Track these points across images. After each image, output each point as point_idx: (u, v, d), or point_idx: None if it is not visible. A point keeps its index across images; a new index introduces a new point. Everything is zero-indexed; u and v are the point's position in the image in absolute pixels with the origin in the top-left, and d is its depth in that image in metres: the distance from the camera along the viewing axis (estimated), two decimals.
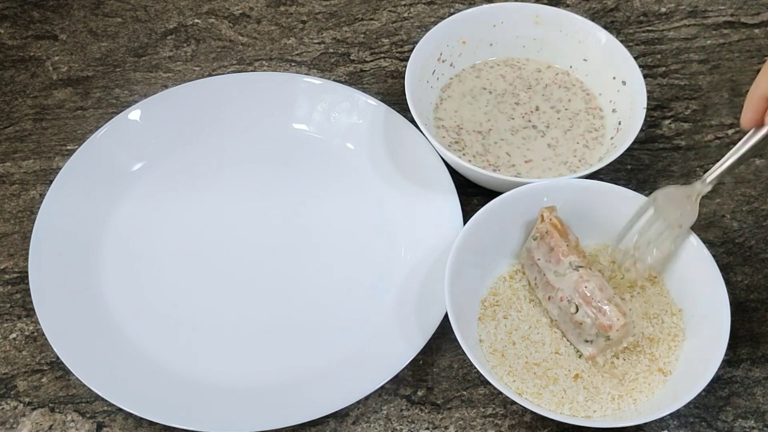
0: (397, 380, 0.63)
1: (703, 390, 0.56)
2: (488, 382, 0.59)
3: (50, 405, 0.63)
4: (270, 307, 0.68)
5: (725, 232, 0.72)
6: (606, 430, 0.63)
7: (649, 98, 0.73)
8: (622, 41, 0.76)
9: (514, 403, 0.62)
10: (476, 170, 0.67)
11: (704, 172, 0.63)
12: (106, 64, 0.84)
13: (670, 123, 0.79)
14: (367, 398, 0.63)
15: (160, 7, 0.89)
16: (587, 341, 0.60)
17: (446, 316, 0.61)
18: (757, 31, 0.87)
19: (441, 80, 0.78)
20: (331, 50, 0.85)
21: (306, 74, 0.81)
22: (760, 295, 0.68)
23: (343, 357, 0.65)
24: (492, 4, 0.79)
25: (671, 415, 0.61)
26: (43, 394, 0.63)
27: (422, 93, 0.75)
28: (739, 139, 0.61)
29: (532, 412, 0.61)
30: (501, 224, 0.65)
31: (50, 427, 0.62)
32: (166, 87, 0.81)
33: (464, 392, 0.63)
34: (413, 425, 0.62)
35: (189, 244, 0.71)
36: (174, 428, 0.60)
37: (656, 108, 0.80)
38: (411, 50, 0.74)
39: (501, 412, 0.62)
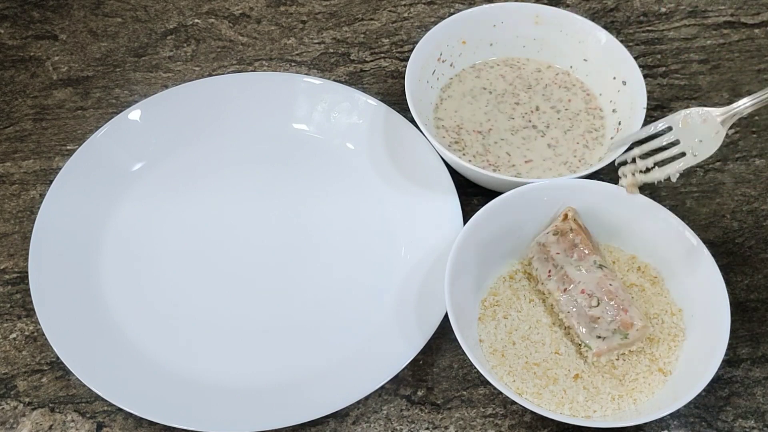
0: (397, 380, 0.63)
1: (703, 390, 0.56)
2: (488, 382, 0.59)
3: (50, 405, 0.63)
4: (270, 307, 0.68)
5: (725, 232, 0.72)
6: (606, 430, 0.63)
7: (649, 98, 0.73)
8: (622, 41, 0.76)
9: (514, 403, 0.62)
10: (476, 170, 0.67)
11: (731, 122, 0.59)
12: (106, 64, 0.84)
13: None
14: (367, 398, 0.63)
15: (160, 7, 0.89)
16: (600, 337, 0.61)
17: (446, 316, 0.61)
18: (757, 31, 0.87)
19: (441, 80, 0.78)
20: (331, 50, 0.85)
21: (306, 74, 0.81)
22: (760, 295, 0.69)
23: (343, 357, 0.65)
24: (492, 4, 0.79)
25: (671, 415, 0.61)
26: (43, 394, 0.64)
27: (422, 93, 0.75)
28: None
29: (532, 412, 0.61)
30: (501, 224, 0.65)
31: (50, 427, 0.62)
32: (166, 87, 0.81)
33: (464, 392, 0.63)
34: (413, 425, 0.62)
35: (189, 244, 0.71)
36: (174, 428, 0.60)
37: (656, 108, 0.80)
38: (411, 50, 0.74)
39: (501, 412, 0.62)
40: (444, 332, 0.63)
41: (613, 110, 0.75)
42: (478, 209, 0.65)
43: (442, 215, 0.70)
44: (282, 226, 0.72)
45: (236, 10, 0.89)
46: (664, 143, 0.62)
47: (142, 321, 0.66)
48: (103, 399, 0.62)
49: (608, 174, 0.74)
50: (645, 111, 0.71)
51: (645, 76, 0.74)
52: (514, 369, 0.61)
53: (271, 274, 0.69)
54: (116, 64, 0.84)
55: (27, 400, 0.63)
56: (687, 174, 0.76)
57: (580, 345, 0.62)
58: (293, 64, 0.84)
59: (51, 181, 0.71)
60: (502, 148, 0.74)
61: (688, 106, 0.80)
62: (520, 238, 0.67)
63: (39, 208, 0.70)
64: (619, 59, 0.75)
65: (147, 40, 0.86)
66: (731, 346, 0.58)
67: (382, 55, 0.85)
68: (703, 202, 0.74)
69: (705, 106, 0.80)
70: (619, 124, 0.74)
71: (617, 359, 0.62)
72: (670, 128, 0.62)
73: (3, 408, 0.63)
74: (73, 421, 0.62)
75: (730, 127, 0.78)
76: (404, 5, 0.89)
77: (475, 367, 0.58)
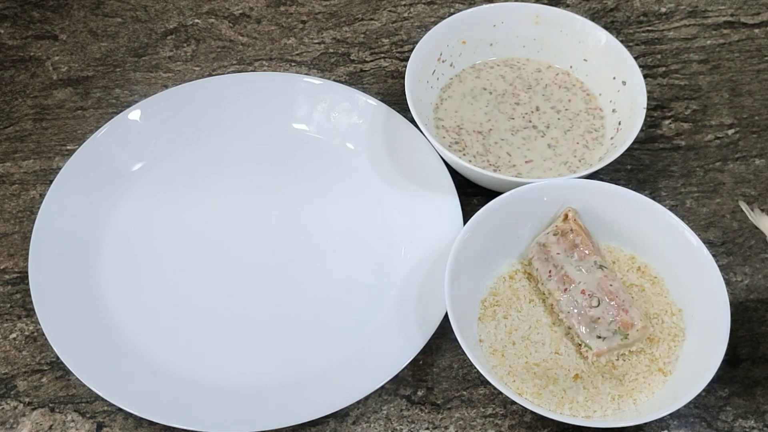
0: (397, 380, 0.63)
1: (703, 390, 0.56)
2: (488, 382, 0.59)
3: (50, 405, 0.63)
4: (270, 307, 0.68)
5: (725, 232, 0.72)
6: (606, 430, 0.63)
7: (649, 98, 0.73)
8: (622, 41, 0.76)
9: (514, 403, 0.62)
10: (476, 170, 0.67)
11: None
12: (106, 64, 0.84)
13: (670, 123, 0.79)
14: (367, 398, 0.63)
15: (160, 7, 0.89)
16: (600, 337, 0.61)
17: (446, 316, 0.61)
18: (757, 31, 0.87)
19: (441, 80, 0.78)
20: (331, 50, 0.85)
21: (306, 74, 0.81)
22: (760, 295, 0.68)
23: (343, 357, 0.65)
24: (492, 4, 0.79)
25: (671, 415, 0.61)
26: (43, 394, 0.64)
27: (422, 93, 0.75)
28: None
29: (532, 412, 0.61)
30: (501, 224, 0.65)
31: (50, 427, 0.62)
32: (166, 87, 0.81)
33: (464, 392, 0.63)
34: (413, 425, 0.62)
35: (189, 244, 0.71)
36: (174, 428, 0.60)
37: (656, 108, 0.80)
38: (411, 50, 0.74)
39: (501, 412, 0.62)
40: (444, 332, 0.63)
41: (613, 110, 0.75)
42: (478, 209, 0.65)
43: (442, 215, 0.70)
44: (282, 226, 0.72)
45: (236, 10, 0.89)
46: None
47: (142, 321, 0.66)
48: (103, 399, 0.62)
49: (608, 174, 0.75)
50: (645, 111, 0.71)
51: (645, 76, 0.74)
52: (514, 369, 0.61)
53: (271, 274, 0.69)
54: (116, 64, 0.84)
55: (27, 400, 0.63)
56: (687, 174, 0.76)
57: (580, 345, 0.62)
58: (293, 64, 0.84)
59: (51, 181, 0.71)
60: (503, 148, 0.74)
61: (688, 107, 0.80)
62: (520, 238, 0.67)
63: (39, 208, 0.70)
64: (619, 59, 0.75)
65: (147, 40, 0.86)
66: (731, 346, 0.58)
67: (382, 55, 0.85)
68: (703, 202, 0.74)
69: (705, 105, 0.81)
70: (619, 124, 0.74)
71: (617, 359, 0.62)
72: None
73: (3, 408, 0.63)
74: (73, 421, 0.62)
75: (730, 127, 0.79)
76: (404, 5, 0.89)
77: (475, 367, 0.58)
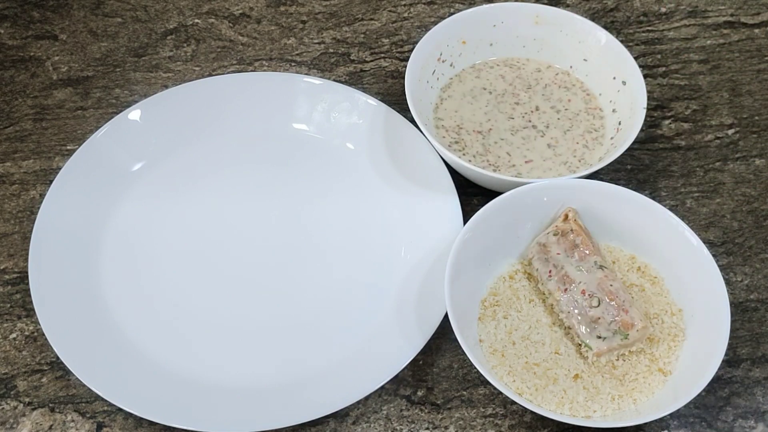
0: (397, 380, 0.63)
1: (703, 390, 0.56)
2: (488, 382, 0.59)
3: (50, 405, 0.63)
4: (270, 307, 0.68)
5: (725, 232, 0.72)
6: (606, 430, 0.63)
7: (649, 98, 0.73)
8: (622, 41, 0.76)
9: (514, 403, 0.62)
10: (476, 170, 0.67)
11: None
12: (106, 64, 0.84)
13: (670, 123, 0.79)
14: (367, 398, 0.63)
15: (160, 7, 0.89)
16: (600, 337, 0.61)
17: (446, 316, 0.61)
18: (757, 31, 0.87)
19: (441, 80, 0.78)
20: (331, 50, 0.85)
21: (306, 74, 0.81)
22: (760, 295, 0.69)
23: (343, 357, 0.65)
24: (492, 4, 0.79)
25: (671, 415, 0.61)
26: (43, 394, 0.63)
27: (422, 93, 0.75)
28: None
29: (532, 412, 0.61)
30: (501, 224, 0.65)
31: (50, 427, 0.62)
32: (166, 87, 0.81)
33: (464, 392, 0.63)
34: (413, 425, 0.62)
35: (189, 244, 0.71)
36: (174, 428, 0.60)
37: (656, 108, 0.80)
38: (411, 50, 0.74)
39: (501, 412, 0.62)
40: (444, 332, 0.63)
41: (613, 110, 0.75)
42: (478, 209, 0.65)
43: (442, 215, 0.70)
44: (282, 226, 0.72)
45: (236, 10, 0.89)
46: None
47: (142, 321, 0.66)
48: (103, 399, 0.62)
49: (608, 174, 0.75)
50: (645, 111, 0.71)
51: (645, 76, 0.74)
52: (514, 369, 0.61)
53: (271, 274, 0.69)
54: (116, 64, 0.84)
55: (27, 400, 0.63)
56: (687, 174, 0.76)
57: (580, 345, 0.62)
58: (293, 64, 0.84)
59: (51, 181, 0.71)
60: (502, 148, 0.74)
61: (688, 107, 0.80)
62: (520, 238, 0.67)
63: (39, 208, 0.70)
64: (619, 59, 0.75)
65: (147, 40, 0.86)
66: (731, 346, 0.58)
67: (382, 55, 0.85)
68: (703, 202, 0.74)
69: (705, 105, 0.81)
70: (619, 124, 0.74)
71: (617, 359, 0.62)
72: None
73: (3, 408, 0.63)
74: (73, 421, 0.62)
75: (730, 127, 0.79)
76: (404, 5, 0.89)
77: (475, 367, 0.58)
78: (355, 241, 0.71)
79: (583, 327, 0.61)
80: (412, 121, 0.72)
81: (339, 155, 0.76)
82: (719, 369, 0.57)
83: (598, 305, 0.61)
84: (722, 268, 0.62)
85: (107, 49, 0.85)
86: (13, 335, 0.66)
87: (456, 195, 0.70)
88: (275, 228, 0.72)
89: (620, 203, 0.66)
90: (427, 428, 0.62)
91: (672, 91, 0.82)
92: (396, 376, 0.62)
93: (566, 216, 0.66)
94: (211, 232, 0.72)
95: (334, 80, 0.81)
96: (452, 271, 0.61)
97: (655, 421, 0.59)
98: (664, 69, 0.83)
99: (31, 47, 0.85)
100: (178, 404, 0.61)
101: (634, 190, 0.66)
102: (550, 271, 0.64)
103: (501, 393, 0.58)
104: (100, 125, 0.76)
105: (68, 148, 0.77)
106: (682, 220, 0.64)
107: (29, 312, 0.67)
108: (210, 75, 0.83)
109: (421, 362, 0.65)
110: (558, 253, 0.64)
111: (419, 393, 0.63)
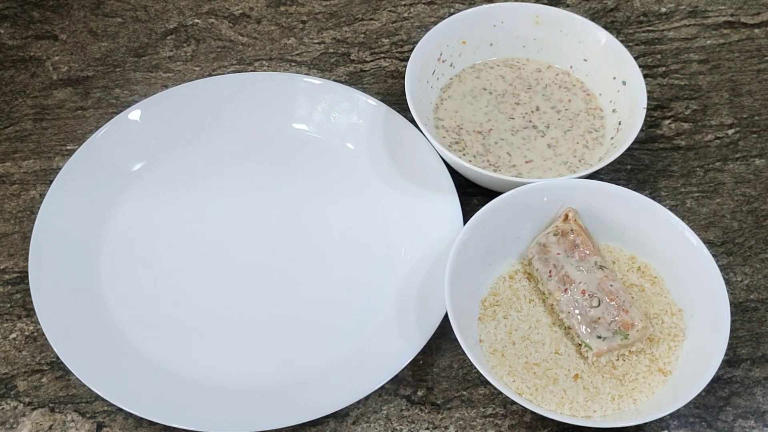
0: (397, 380, 0.63)
1: (703, 390, 0.56)
2: (488, 382, 0.59)
3: (50, 405, 0.63)
4: (270, 307, 0.68)
5: (725, 232, 0.72)
6: (606, 430, 0.63)
7: (649, 98, 0.73)
8: (622, 41, 0.76)
9: (514, 403, 0.62)
10: (476, 170, 0.67)
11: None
12: (106, 64, 0.84)
13: (670, 123, 0.79)
14: (367, 398, 0.63)
15: (160, 7, 0.89)
16: (600, 337, 0.61)
17: (446, 316, 0.61)
18: (757, 31, 0.87)
19: (441, 80, 0.78)
20: (331, 50, 0.85)
21: (306, 74, 0.81)
22: (760, 295, 0.69)
23: (343, 357, 0.65)
24: (492, 4, 0.79)
25: (671, 415, 0.61)
26: (43, 394, 0.63)
27: (422, 93, 0.75)
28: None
29: (532, 412, 0.61)
30: (501, 224, 0.65)
31: (50, 427, 0.62)
32: (166, 87, 0.81)
33: (464, 392, 0.63)
34: (413, 425, 0.62)
35: (189, 244, 0.71)
36: (174, 428, 0.60)
37: (656, 108, 0.80)
38: (411, 50, 0.74)
39: (501, 412, 0.62)
40: (444, 332, 0.63)
41: (613, 110, 0.75)
42: (478, 209, 0.65)
43: (442, 215, 0.70)
44: (282, 226, 0.72)
45: (236, 10, 0.89)
46: None
47: (142, 321, 0.66)
48: (103, 399, 0.62)
49: (608, 174, 0.75)
50: (645, 111, 0.71)
51: (645, 76, 0.74)
52: (514, 369, 0.61)
53: (271, 274, 0.69)
54: (116, 64, 0.84)
55: (27, 400, 0.63)
56: (687, 174, 0.76)
57: (580, 345, 0.62)
58: (293, 64, 0.84)
59: (51, 181, 0.71)
60: (503, 148, 0.74)
61: (688, 107, 0.80)
62: (520, 238, 0.67)
63: (39, 208, 0.70)
64: (619, 59, 0.75)
65: (147, 40, 0.86)
66: (731, 346, 0.58)
67: (382, 55, 0.85)
68: (703, 202, 0.74)
69: (705, 105, 0.81)
70: (619, 124, 0.74)
71: (617, 359, 0.62)
72: None
73: (3, 408, 0.63)
74: (73, 421, 0.62)
75: (730, 127, 0.79)
76: (404, 5, 0.89)
77: (475, 367, 0.58)
78: (355, 241, 0.71)
79: (584, 327, 0.61)
80: (412, 121, 0.72)
81: (339, 155, 0.76)
82: (719, 369, 0.57)
83: (599, 305, 0.61)
84: (722, 268, 0.62)
85: (107, 49, 0.85)
86: (13, 335, 0.66)
87: (456, 195, 0.70)
88: (275, 228, 0.72)
89: (620, 203, 0.66)
90: (427, 428, 0.62)
91: (672, 91, 0.82)
92: (396, 376, 0.62)
93: (566, 216, 0.66)
94: (211, 232, 0.72)
95: (334, 80, 0.81)
96: (452, 271, 0.61)
97: (655, 421, 0.59)
98: (664, 69, 0.83)
99: (31, 47, 0.85)
100: (178, 404, 0.61)
101: (634, 190, 0.66)
102: (550, 271, 0.64)
103: (501, 393, 0.58)
104: (100, 125, 0.76)
105: (68, 148, 0.77)
106: (682, 220, 0.64)
107: (29, 312, 0.67)
108: (210, 75, 0.83)
109: (421, 362, 0.65)
110: (558, 253, 0.64)
111: (419, 393, 0.63)
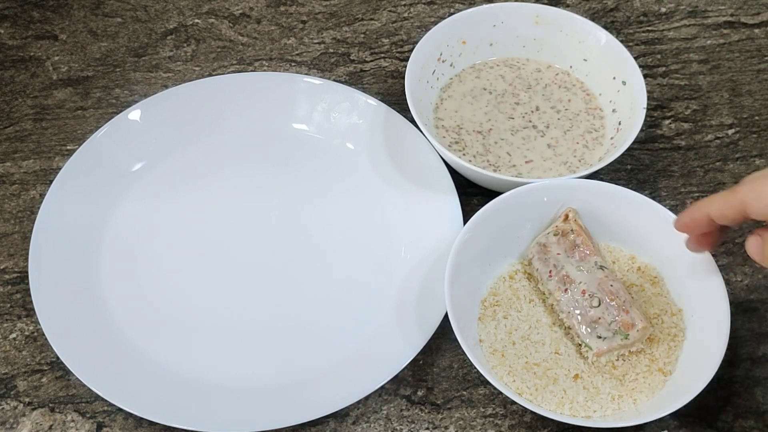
0: (397, 380, 0.63)
1: (703, 390, 0.56)
2: (488, 382, 0.59)
3: (50, 405, 0.63)
4: (270, 307, 0.68)
5: None
6: (606, 430, 0.63)
7: (649, 98, 0.73)
8: (622, 41, 0.76)
9: (514, 403, 0.62)
10: (476, 170, 0.67)
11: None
12: (106, 64, 0.84)
13: (670, 123, 0.79)
14: (367, 398, 0.63)
15: (160, 7, 0.89)
16: (600, 337, 0.61)
17: (446, 316, 0.61)
18: (757, 31, 0.87)
19: (441, 80, 0.78)
20: (331, 50, 0.85)
21: (306, 74, 0.81)
22: (760, 295, 0.68)
23: (343, 357, 0.65)
24: (492, 4, 0.79)
25: (671, 415, 0.61)
26: (43, 394, 0.63)
27: (422, 93, 0.75)
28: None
29: (532, 412, 0.61)
30: (501, 224, 0.65)
31: (50, 427, 0.62)
32: (166, 87, 0.81)
33: (464, 392, 0.63)
34: (413, 425, 0.62)
35: (189, 244, 0.71)
36: (174, 428, 0.60)
37: (656, 108, 0.80)
38: (411, 50, 0.74)
39: (501, 412, 0.62)
40: (444, 332, 0.63)
41: (613, 110, 0.75)
42: (478, 209, 0.65)
43: (442, 215, 0.70)
44: (282, 226, 0.72)
45: (236, 10, 0.89)
46: None
47: (142, 321, 0.66)
48: (103, 399, 0.62)
49: (608, 174, 0.75)
50: (645, 111, 0.71)
51: (645, 76, 0.74)
52: (514, 369, 0.61)
53: (271, 274, 0.69)
54: (116, 64, 0.84)
55: (27, 400, 0.63)
56: (687, 174, 0.76)
57: (580, 345, 0.62)
58: (293, 64, 0.84)
59: (51, 181, 0.71)
60: (502, 148, 0.74)
61: (688, 107, 0.80)
62: (520, 238, 0.67)
63: (39, 208, 0.70)
64: (619, 59, 0.75)
65: (147, 40, 0.86)
66: (731, 346, 0.58)
67: (382, 55, 0.85)
68: None
69: (705, 105, 0.81)
70: (619, 124, 0.74)
71: (617, 359, 0.62)
72: None
73: (3, 408, 0.63)
74: (73, 421, 0.62)
75: (730, 127, 0.79)
76: (404, 5, 0.89)
77: (475, 367, 0.58)
78: (355, 241, 0.71)
79: (584, 327, 0.61)
80: (412, 121, 0.72)
81: (339, 155, 0.76)
82: (719, 369, 0.57)
83: (599, 305, 0.61)
84: (722, 268, 0.62)
85: (107, 49, 0.85)
86: (13, 335, 0.66)
87: (456, 195, 0.70)
88: (275, 228, 0.72)
89: (620, 203, 0.66)
90: (427, 428, 0.62)
91: (672, 91, 0.82)
92: (396, 376, 0.62)
93: (566, 216, 0.66)
94: (211, 232, 0.72)
95: (334, 80, 0.81)
96: (452, 271, 0.61)
97: (655, 421, 0.59)
98: (664, 69, 0.83)
99: (31, 47, 0.85)
100: (178, 404, 0.61)
101: (634, 190, 0.66)
102: (550, 271, 0.64)
103: (501, 393, 0.58)
104: (100, 125, 0.76)
105: (68, 148, 0.77)
106: None
107: (29, 312, 0.67)
108: (210, 75, 0.83)
109: (421, 362, 0.65)
110: (558, 253, 0.64)
111: (419, 393, 0.63)
